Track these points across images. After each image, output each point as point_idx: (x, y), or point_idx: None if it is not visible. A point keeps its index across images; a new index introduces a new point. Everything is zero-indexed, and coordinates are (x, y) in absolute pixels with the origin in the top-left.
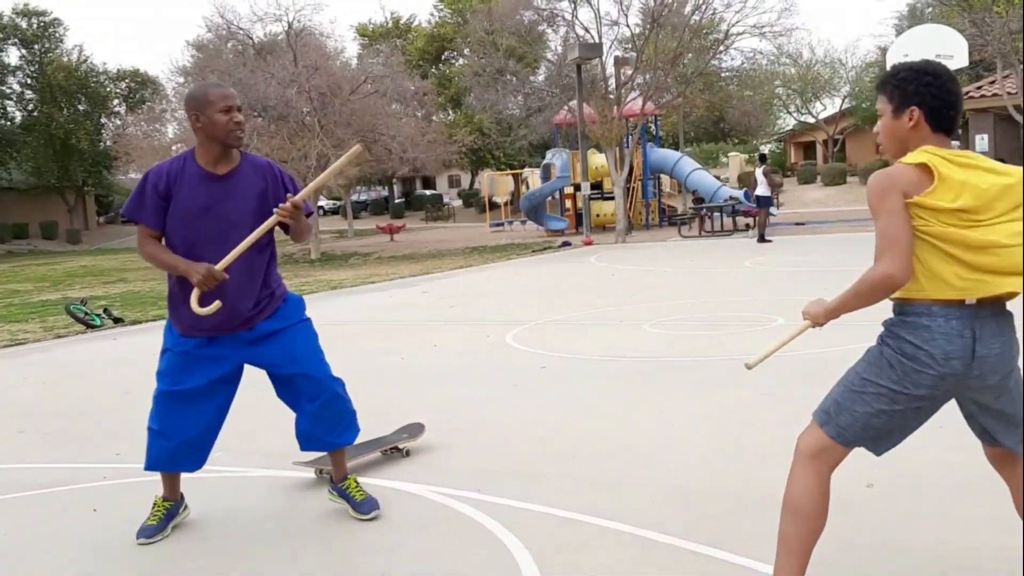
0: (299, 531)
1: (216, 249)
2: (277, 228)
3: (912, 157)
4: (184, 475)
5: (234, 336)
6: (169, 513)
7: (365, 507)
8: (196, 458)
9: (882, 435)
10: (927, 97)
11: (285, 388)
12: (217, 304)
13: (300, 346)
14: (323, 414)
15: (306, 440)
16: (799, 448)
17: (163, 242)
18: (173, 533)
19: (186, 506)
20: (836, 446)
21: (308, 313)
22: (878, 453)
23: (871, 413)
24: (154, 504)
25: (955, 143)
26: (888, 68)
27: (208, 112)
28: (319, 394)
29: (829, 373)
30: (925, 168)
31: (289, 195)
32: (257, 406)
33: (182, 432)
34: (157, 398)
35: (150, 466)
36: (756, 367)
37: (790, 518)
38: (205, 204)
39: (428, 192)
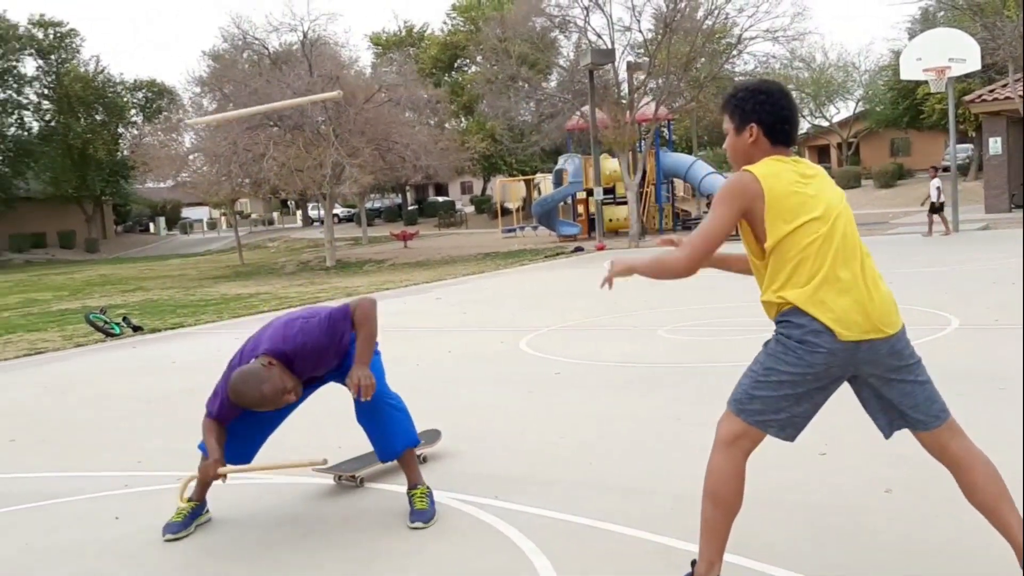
0: (319, 537)
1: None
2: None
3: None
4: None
5: None
6: (193, 512)
7: (413, 516)
8: (244, 454)
9: (791, 419)
10: (763, 114)
11: (357, 406)
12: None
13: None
14: (375, 426)
15: (378, 450)
16: (717, 436)
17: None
18: (196, 538)
19: (208, 510)
20: (751, 431)
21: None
22: (787, 438)
23: (779, 397)
24: (183, 500)
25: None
26: (728, 89)
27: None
28: (375, 408)
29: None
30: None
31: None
32: None
33: (234, 437)
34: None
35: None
36: None
37: (711, 504)
38: (273, 412)
39: (441, 199)
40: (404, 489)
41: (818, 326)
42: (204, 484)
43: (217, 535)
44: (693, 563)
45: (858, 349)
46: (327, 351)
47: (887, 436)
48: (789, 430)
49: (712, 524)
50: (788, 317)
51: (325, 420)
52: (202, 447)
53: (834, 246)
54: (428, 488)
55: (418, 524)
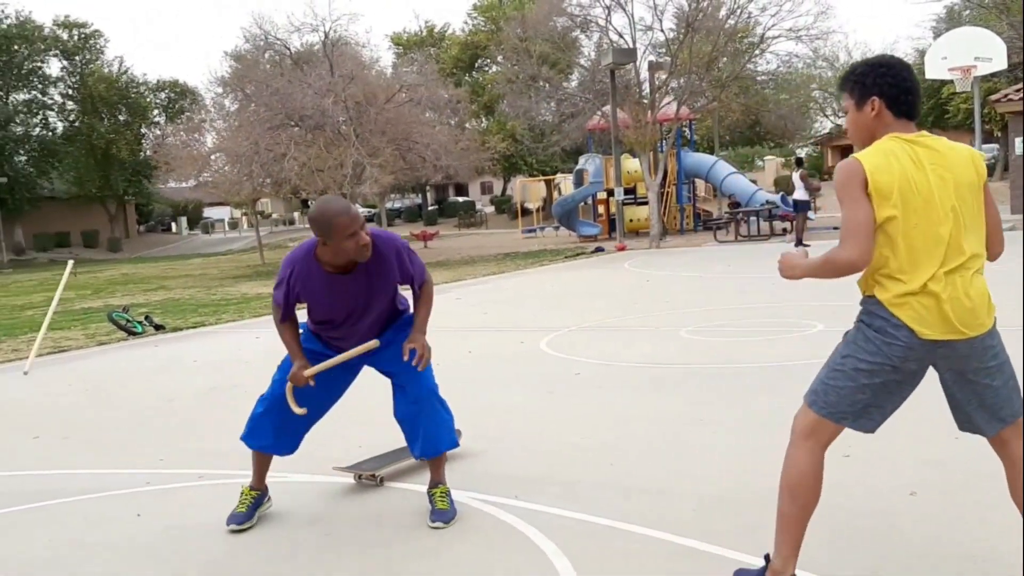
0: (340, 537)
1: (354, 325)
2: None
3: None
4: (221, 481)
5: None
6: (256, 502)
7: (434, 515)
8: (290, 442)
9: (867, 410)
10: (884, 87)
11: (396, 394)
12: (304, 410)
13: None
14: (421, 421)
15: (412, 446)
16: (794, 430)
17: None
18: (218, 537)
19: (269, 498)
20: (826, 424)
21: None
22: (866, 430)
23: (855, 387)
24: (241, 492)
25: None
26: (847, 68)
27: (335, 239)
28: (419, 401)
29: None
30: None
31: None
32: None
33: (284, 412)
34: (272, 384)
35: (253, 444)
36: (797, 375)
37: (788, 498)
38: (335, 301)
39: (461, 199)
40: (424, 488)
41: (897, 321)
42: (263, 466)
43: (238, 534)
44: (767, 557)
45: (937, 346)
46: (392, 273)
47: (961, 430)
48: (864, 421)
49: (789, 519)
50: (871, 306)
51: (345, 419)
52: (254, 437)
53: (928, 241)
54: (448, 487)
55: (439, 524)
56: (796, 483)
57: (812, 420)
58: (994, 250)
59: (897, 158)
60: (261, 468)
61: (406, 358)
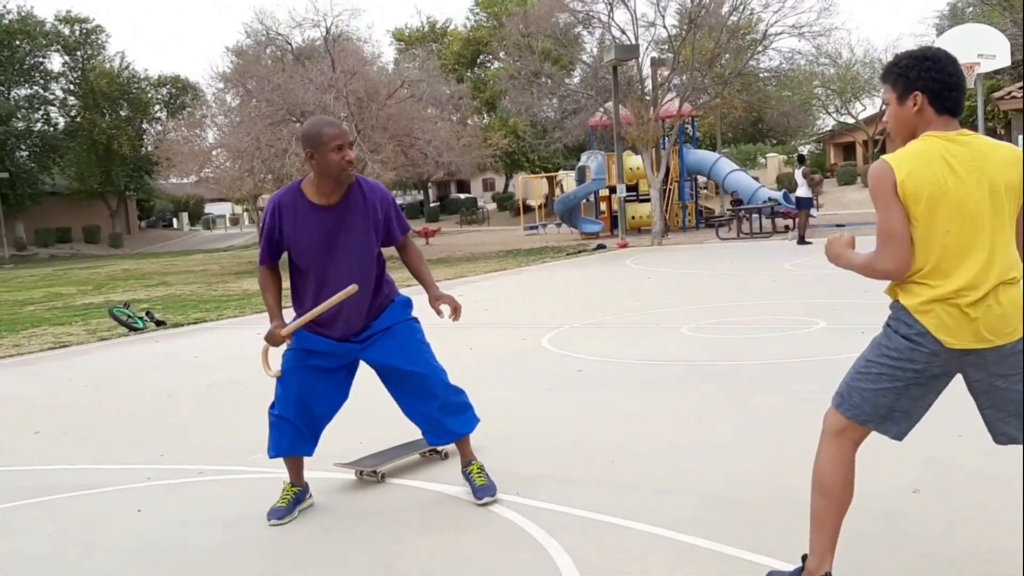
0: (340, 533)
1: (339, 277)
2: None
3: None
4: (221, 477)
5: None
6: (296, 498)
7: (479, 492)
8: (308, 443)
9: (891, 413)
10: (928, 81)
11: (396, 387)
12: (278, 372)
13: (405, 345)
14: (444, 408)
15: (431, 434)
16: (824, 427)
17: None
18: (218, 533)
19: (310, 495)
20: (853, 425)
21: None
22: (892, 435)
23: (878, 391)
24: (283, 488)
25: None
26: (891, 59)
27: (322, 151)
28: (434, 390)
29: None
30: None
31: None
32: None
33: (296, 417)
34: (277, 386)
35: (273, 454)
36: (799, 373)
37: (818, 494)
38: (320, 238)
39: (463, 196)
40: (426, 486)
41: (921, 328)
42: (295, 467)
43: (239, 530)
44: (804, 558)
45: (964, 354)
46: (374, 214)
47: (996, 443)
48: (889, 425)
49: (820, 516)
50: (897, 311)
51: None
52: (273, 446)
53: (958, 248)
54: (481, 463)
55: (486, 499)
56: (824, 480)
57: (840, 421)
58: None
59: (930, 160)
60: (294, 468)
61: (442, 317)
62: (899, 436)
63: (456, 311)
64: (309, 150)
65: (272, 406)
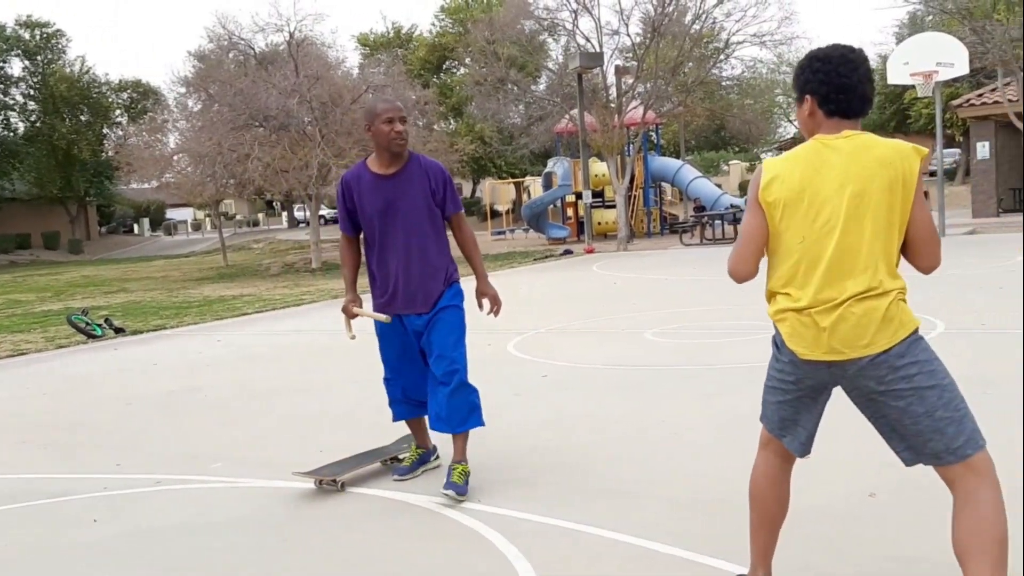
0: (299, 543)
1: (397, 241)
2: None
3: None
4: (178, 487)
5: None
6: (422, 458)
7: (449, 484)
8: (414, 407)
9: (788, 424)
10: (815, 84)
11: (429, 365)
12: (353, 334)
13: (443, 329)
14: (452, 399)
15: (436, 420)
16: (760, 439)
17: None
18: (176, 543)
19: (437, 456)
20: (772, 437)
21: (305, 325)
22: (795, 450)
23: (775, 403)
24: (411, 448)
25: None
26: None
27: (376, 123)
28: (450, 379)
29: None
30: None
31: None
32: (258, 416)
33: (395, 378)
34: (384, 365)
35: (395, 419)
36: (761, 377)
37: (749, 503)
38: (380, 204)
39: None
40: (387, 494)
41: (781, 339)
42: (418, 428)
43: (197, 539)
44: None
45: (826, 365)
46: (427, 184)
47: (905, 463)
48: (790, 439)
49: (751, 525)
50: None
51: (305, 423)
52: (393, 413)
53: (813, 255)
54: (469, 470)
55: (449, 492)
56: (752, 490)
57: (763, 432)
58: (925, 262)
59: (800, 165)
60: (417, 430)
61: (482, 310)
62: (802, 454)
63: (497, 309)
64: (367, 122)
65: (385, 379)
